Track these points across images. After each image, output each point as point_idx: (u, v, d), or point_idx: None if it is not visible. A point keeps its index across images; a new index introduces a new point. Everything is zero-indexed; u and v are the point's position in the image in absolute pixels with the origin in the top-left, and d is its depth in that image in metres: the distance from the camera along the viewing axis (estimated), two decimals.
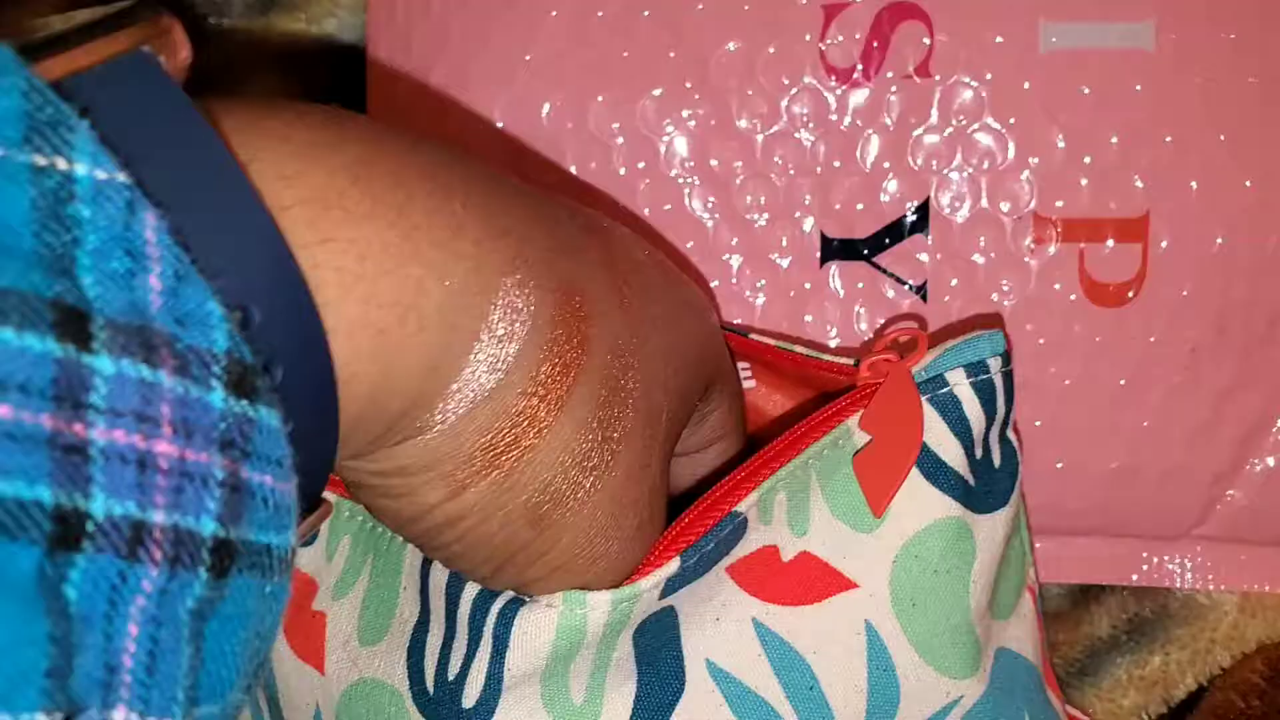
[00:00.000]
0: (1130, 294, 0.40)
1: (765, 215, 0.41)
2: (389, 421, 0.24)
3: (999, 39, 0.39)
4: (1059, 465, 0.41)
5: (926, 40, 0.40)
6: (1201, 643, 0.43)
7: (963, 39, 0.40)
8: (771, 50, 0.40)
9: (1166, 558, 0.43)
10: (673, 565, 0.30)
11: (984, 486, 0.33)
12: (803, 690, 0.31)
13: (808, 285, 0.41)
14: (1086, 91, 0.39)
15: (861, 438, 0.32)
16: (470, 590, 0.29)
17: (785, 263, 0.41)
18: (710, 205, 0.41)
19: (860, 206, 0.41)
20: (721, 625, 0.31)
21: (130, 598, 0.18)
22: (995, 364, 0.33)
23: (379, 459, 0.25)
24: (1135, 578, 0.43)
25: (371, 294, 0.22)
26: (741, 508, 0.31)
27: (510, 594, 0.29)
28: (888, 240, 0.40)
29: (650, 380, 0.28)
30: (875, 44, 0.40)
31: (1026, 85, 0.39)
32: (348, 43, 0.48)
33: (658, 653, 0.30)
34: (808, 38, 0.40)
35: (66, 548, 0.17)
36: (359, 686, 0.32)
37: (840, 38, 0.40)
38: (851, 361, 0.34)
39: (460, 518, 0.26)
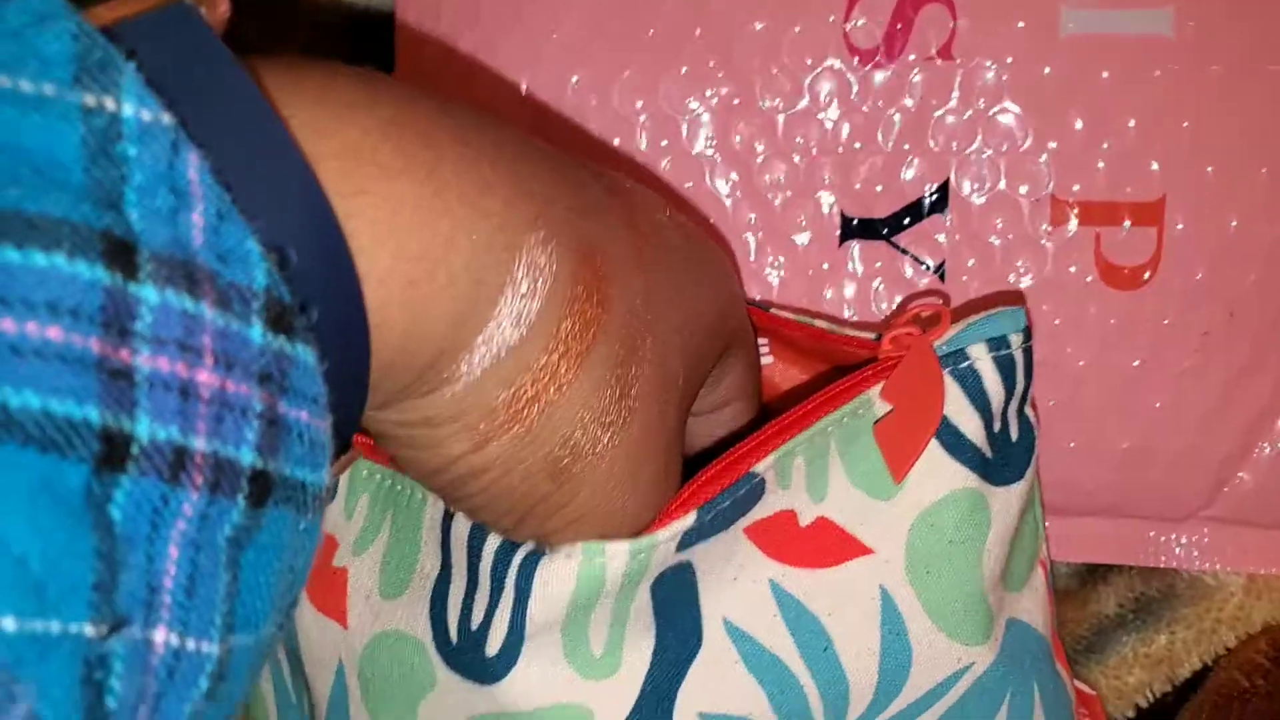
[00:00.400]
0: (1145, 277, 0.40)
1: (785, 194, 0.41)
2: (418, 371, 0.25)
3: (1020, 23, 0.40)
4: (1072, 445, 0.41)
5: (949, 23, 0.40)
6: (1207, 623, 0.44)
7: (985, 22, 0.40)
8: (796, 31, 0.41)
9: (1174, 538, 0.43)
10: (689, 519, 0.30)
11: (1001, 459, 0.34)
12: (817, 651, 0.32)
13: (826, 265, 0.42)
14: (1105, 76, 0.40)
15: (882, 407, 0.33)
16: (492, 543, 0.30)
17: (804, 241, 0.42)
18: (731, 184, 0.42)
19: (880, 187, 0.41)
20: (739, 585, 0.32)
21: (172, 520, 0.19)
22: (1016, 340, 0.33)
23: (406, 409, 0.26)
24: (1143, 558, 0.44)
25: (403, 247, 0.23)
26: (759, 469, 0.32)
27: (531, 546, 0.29)
28: (907, 220, 0.41)
29: (668, 341, 0.28)
30: (898, 26, 0.40)
31: (1047, 70, 0.40)
32: (377, 9, 0.48)
33: (676, 609, 0.31)
34: (831, 19, 0.41)
35: (112, 468, 0.18)
36: (382, 638, 0.33)
37: (863, 20, 0.40)
38: (872, 336, 0.34)
39: (483, 470, 0.27)
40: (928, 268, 0.41)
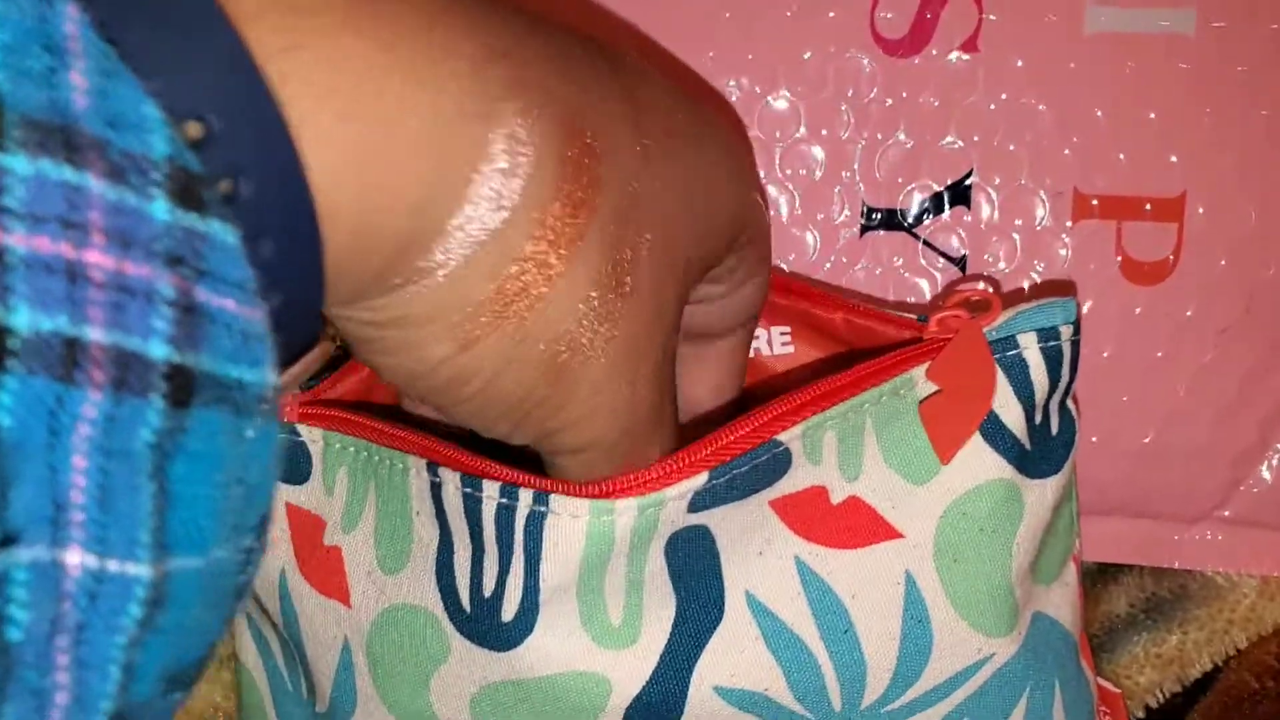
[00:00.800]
0: (1165, 272, 0.40)
1: (808, 183, 0.42)
2: (385, 257, 0.22)
3: (1046, 19, 0.40)
4: (1093, 440, 0.41)
5: (975, 17, 0.41)
6: (1219, 624, 0.44)
7: (1010, 17, 0.40)
8: (823, 19, 0.41)
9: (1187, 538, 0.44)
10: (700, 479, 0.30)
11: (1039, 452, 0.33)
12: (838, 633, 0.32)
13: (846, 256, 0.42)
14: (1129, 73, 0.40)
15: (926, 388, 0.32)
16: (489, 508, 0.29)
17: (826, 231, 0.42)
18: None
19: (903, 178, 0.41)
20: (765, 559, 0.31)
21: (71, 424, 0.16)
22: (1066, 331, 0.33)
23: (376, 308, 0.23)
24: (1156, 558, 0.44)
25: (349, 109, 0.21)
26: (784, 438, 0.31)
27: (529, 505, 0.29)
28: (929, 212, 0.41)
29: (671, 226, 0.26)
30: (926, 16, 0.41)
31: (1071, 65, 0.40)
32: None
33: (697, 578, 0.31)
34: (859, 9, 0.41)
35: None
36: (390, 613, 0.32)
37: (890, 13, 0.41)
38: (916, 318, 0.34)
39: (473, 374, 0.24)
40: (949, 260, 0.41)
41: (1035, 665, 0.34)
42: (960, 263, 0.41)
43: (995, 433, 0.32)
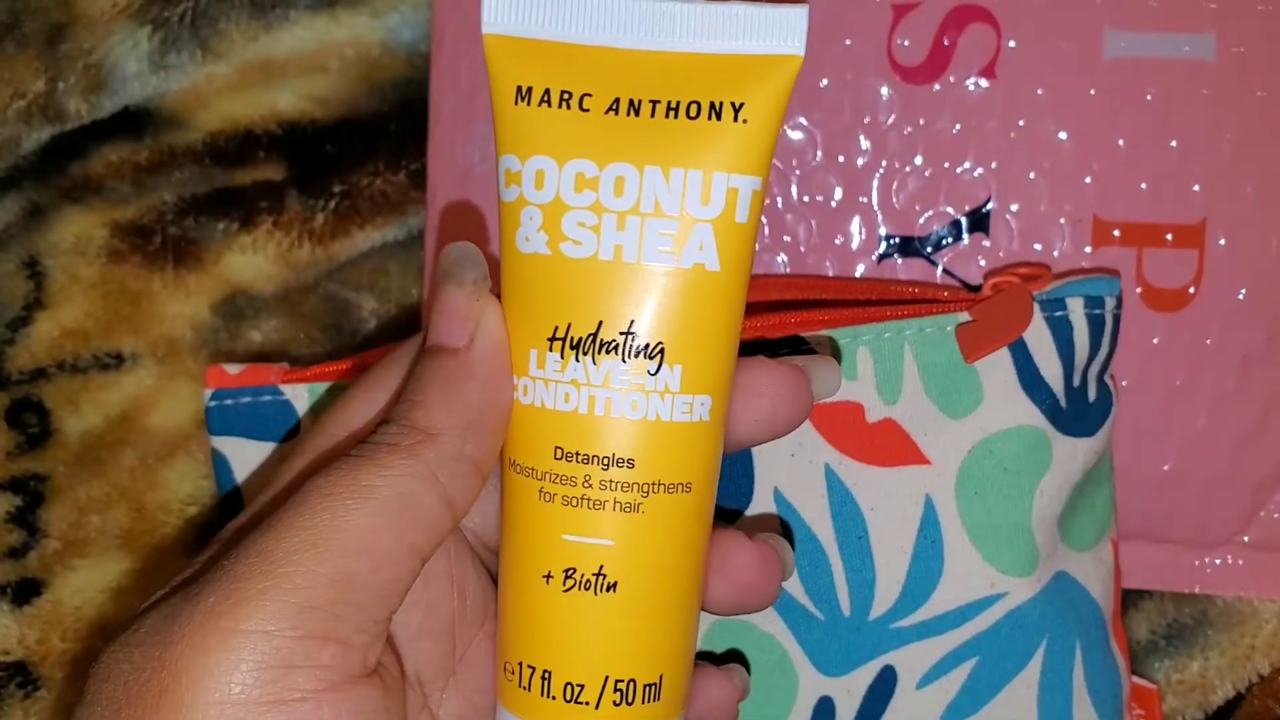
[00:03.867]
0: (1186, 299, 0.40)
1: (825, 211, 0.41)
2: None
3: (1065, 45, 0.40)
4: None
5: (993, 43, 0.40)
6: (1241, 649, 0.44)
7: (1029, 43, 0.40)
8: (840, 46, 0.41)
9: (1208, 563, 0.43)
10: None
11: (1074, 412, 0.35)
12: (852, 539, 0.35)
13: None
14: (1148, 99, 0.40)
15: (967, 320, 0.35)
16: None
17: (844, 258, 0.41)
18: (771, 198, 0.42)
19: (921, 205, 0.41)
20: (796, 462, 0.35)
21: None
22: (1110, 303, 0.35)
23: None
24: (1176, 584, 0.44)
25: None
26: (809, 338, 0.35)
27: None
28: (947, 239, 0.41)
29: None
30: (945, 42, 0.40)
31: (1091, 91, 0.40)
32: (408, 41, 0.48)
33: (728, 464, 0.33)
34: (876, 36, 0.41)
35: None
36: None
37: (908, 40, 0.41)
38: (971, 295, 0.37)
39: None
40: (967, 288, 0.41)
41: (1054, 619, 0.36)
42: (978, 291, 0.41)
43: (1033, 381, 0.35)
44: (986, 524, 0.35)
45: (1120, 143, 0.40)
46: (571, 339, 0.27)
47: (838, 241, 0.41)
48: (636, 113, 0.27)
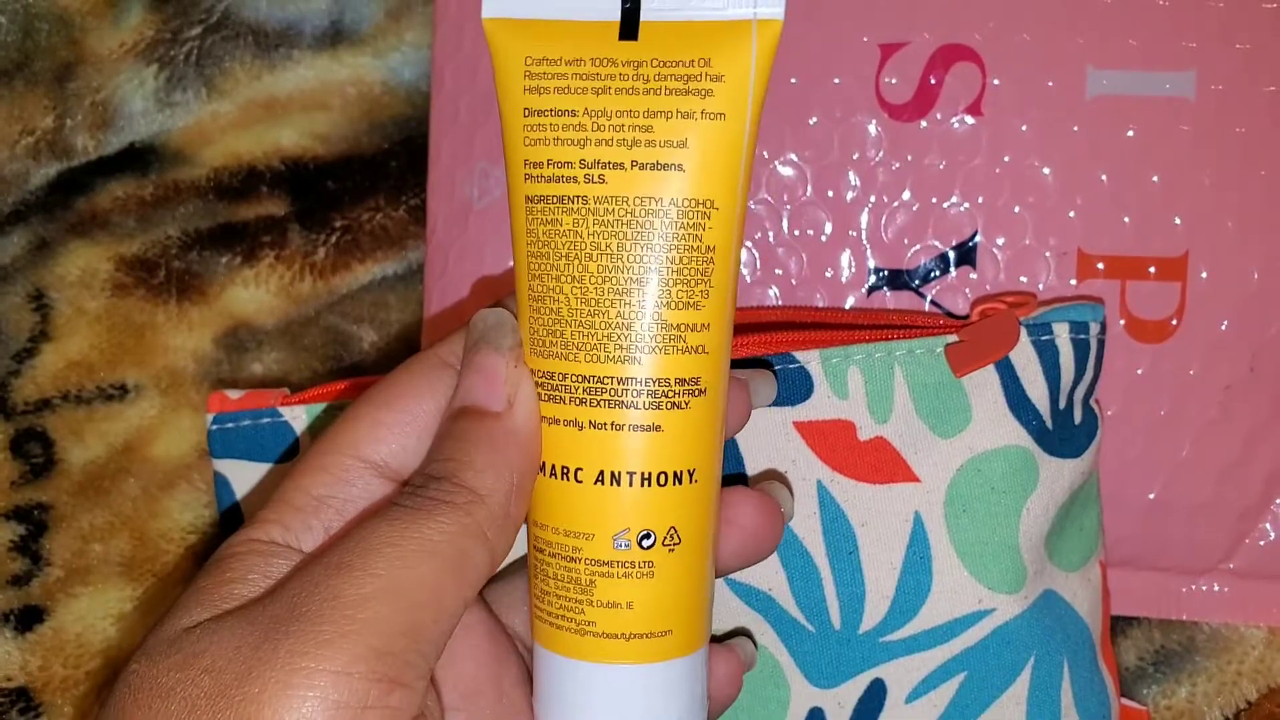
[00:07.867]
0: (1169, 331, 0.41)
1: (815, 245, 0.42)
2: None
3: (1049, 83, 0.41)
4: None
5: (979, 81, 0.41)
6: (1228, 675, 0.44)
7: (1014, 81, 0.41)
8: (829, 85, 0.42)
9: (1194, 590, 0.44)
10: None
11: (1060, 434, 0.36)
12: (843, 553, 0.36)
13: None
14: (1130, 135, 0.41)
15: (956, 341, 0.36)
16: None
17: (832, 291, 0.42)
18: (762, 233, 0.42)
19: (909, 239, 0.42)
20: (789, 477, 0.36)
21: None
22: (1094, 329, 0.36)
23: None
24: (1163, 611, 0.44)
25: None
26: (800, 357, 0.36)
27: None
28: (935, 273, 0.42)
29: None
30: (932, 80, 0.41)
31: (1074, 128, 0.41)
32: (409, 80, 0.50)
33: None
34: (865, 75, 0.42)
35: None
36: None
37: (895, 79, 0.42)
38: (959, 321, 0.37)
39: None
40: (955, 319, 0.42)
41: (1041, 636, 0.36)
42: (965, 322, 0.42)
43: (1020, 403, 0.36)
44: (974, 541, 0.36)
45: (1103, 178, 0.41)
46: None
47: (828, 274, 0.42)
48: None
